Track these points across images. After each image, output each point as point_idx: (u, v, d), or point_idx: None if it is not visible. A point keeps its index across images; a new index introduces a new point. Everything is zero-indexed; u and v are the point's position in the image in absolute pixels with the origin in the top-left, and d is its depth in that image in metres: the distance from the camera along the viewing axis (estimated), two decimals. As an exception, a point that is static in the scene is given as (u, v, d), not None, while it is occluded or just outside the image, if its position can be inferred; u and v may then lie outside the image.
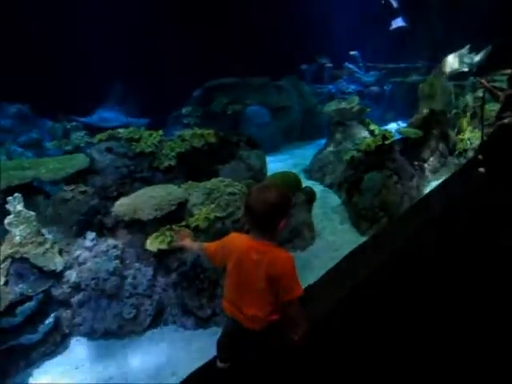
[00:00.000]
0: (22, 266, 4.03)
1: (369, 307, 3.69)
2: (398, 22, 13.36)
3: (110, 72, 10.88)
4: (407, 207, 6.17)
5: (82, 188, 4.84)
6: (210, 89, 11.50)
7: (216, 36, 12.25)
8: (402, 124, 10.25)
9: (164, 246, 4.15)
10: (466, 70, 10.90)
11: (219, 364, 2.87)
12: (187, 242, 2.74)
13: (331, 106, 8.11)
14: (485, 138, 7.23)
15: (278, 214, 2.26)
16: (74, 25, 10.64)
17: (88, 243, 4.34)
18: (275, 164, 7.84)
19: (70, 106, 10.17)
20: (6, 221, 4.15)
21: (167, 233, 4.21)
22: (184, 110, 10.88)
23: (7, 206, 4.19)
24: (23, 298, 3.83)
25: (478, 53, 11.15)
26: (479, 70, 10.64)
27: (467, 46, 11.17)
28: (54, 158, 5.88)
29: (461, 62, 11.00)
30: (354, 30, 13.62)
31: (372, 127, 6.97)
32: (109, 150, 5.38)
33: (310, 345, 2.86)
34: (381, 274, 4.25)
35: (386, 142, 6.21)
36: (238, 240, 2.41)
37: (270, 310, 2.34)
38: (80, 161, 5.36)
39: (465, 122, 8.43)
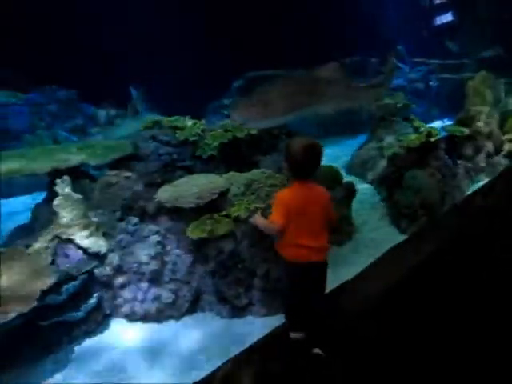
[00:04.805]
0: (67, 247, 4.18)
1: (406, 308, 3.64)
2: (447, 17, 12.94)
3: (152, 62, 11.05)
4: (449, 207, 6.03)
5: (126, 173, 4.96)
6: (250, 79, 11.48)
7: (256, 26, 12.21)
8: (448, 122, 9.95)
9: (204, 235, 4.20)
10: None
11: (293, 335, 3.07)
12: (260, 221, 3.06)
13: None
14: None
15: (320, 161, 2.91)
16: (120, 18, 10.85)
17: (130, 228, 4.45)
18: (315, 158, 7.76)
19: (114, 94, 10.39)
20: (55, 202, 4.31)
21: (208, 221, 4.26)
22: (226, 101, 10.90)
23: (56, 188, 4.35)
24: (68, 278, 3.96)
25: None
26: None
27: None
28: (100, 144, 6.04)
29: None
30: (401, 23, 13.31)
31: (417, 124, 6.80)
32: (153, 137, 5.47)
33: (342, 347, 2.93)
34: (420, 274, 4.18)
35: (431, 140, 6.06)
36: (291, 194, 2.88)
37: (327, 236, 2.93)
38: (124, 147, 5.47)
39: (514, 121, 8.12)
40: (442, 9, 13.99)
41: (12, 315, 3.26)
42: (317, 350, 2.90)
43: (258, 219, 3.07)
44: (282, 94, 3.88)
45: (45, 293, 3.64)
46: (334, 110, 4.29)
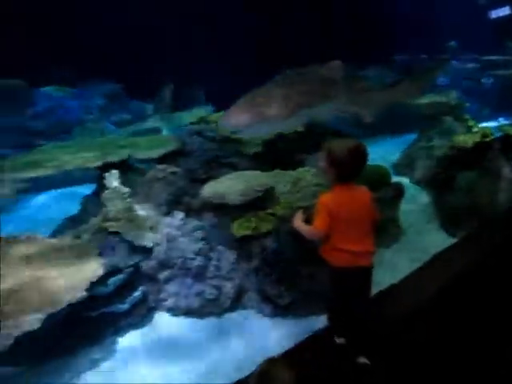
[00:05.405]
0: (114, 240, 4.26)
1: (454, 314, 3.52)
2: (504, 10, 12.31)
3: (201, 59, 11.12)
4: (501, 211, 5.77)
5: (173, 169, 5.01)
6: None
7: (298, 20, 12.06)
8: (504, 121, 9.51)
9: (248, 232, 4.18)
10: None
11: (338, 340, 3.09)
12: (302, 226, 2.94)
13: (425, 99, 7.70)
14: None
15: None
16: (171, 15, 10.98)
17: (176, 222, 4.48)
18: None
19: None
20: (103, 195, 4.40)
21: (252, 219, 4.24)
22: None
23: (104, 182, 4.45)
24: (114, 270, 4.04)
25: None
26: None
27: None
28: (147, 138, 6.14)
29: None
30: (453, 19, 12.83)
31: (470, 123, 6.52)
32: (198, 133, 5.50)
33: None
34: (469, 278, 4.04)
35: (486, 140, 5.79)
36: (335, 199, 2.79)
37: (373, 239, 2.88)
38: (171, 142, 5.54)
39: None
40: (496, 4, 13.42)
41: (61, 305, 3.35)
42: (363, 360, 2.84)
43: (299, 224, 2.96)
44: (277, 95, 3.60)
45: (93, 284, 3.72)
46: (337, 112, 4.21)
